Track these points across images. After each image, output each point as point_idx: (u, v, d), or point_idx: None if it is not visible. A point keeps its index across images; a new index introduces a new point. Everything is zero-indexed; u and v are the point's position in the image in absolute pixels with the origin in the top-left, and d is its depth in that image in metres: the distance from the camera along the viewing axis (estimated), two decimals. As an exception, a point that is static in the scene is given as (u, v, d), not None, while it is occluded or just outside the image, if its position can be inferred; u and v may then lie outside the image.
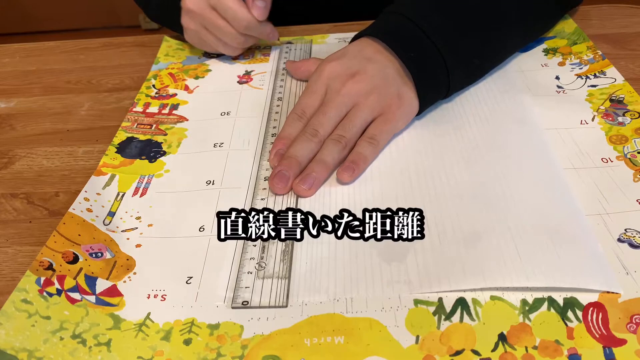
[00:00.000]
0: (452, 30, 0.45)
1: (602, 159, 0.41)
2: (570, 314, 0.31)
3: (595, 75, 0.49)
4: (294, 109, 0.45)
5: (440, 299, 0.32)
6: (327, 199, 0.40)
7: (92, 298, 0.34)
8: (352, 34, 0.58)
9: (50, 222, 0.40)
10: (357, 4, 0.63)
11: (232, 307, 0.33)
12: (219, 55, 0.58)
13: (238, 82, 0.53)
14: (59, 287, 0.34)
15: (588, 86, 0.48)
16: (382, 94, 0.43)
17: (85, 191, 0.41)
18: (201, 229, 0.38)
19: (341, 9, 0.64)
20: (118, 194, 0.41)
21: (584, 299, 0.31)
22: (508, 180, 0.39)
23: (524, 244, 0.34)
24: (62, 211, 0.40)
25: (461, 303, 0.32)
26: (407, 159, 0.42)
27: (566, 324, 0.30)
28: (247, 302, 0.33)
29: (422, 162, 0.42)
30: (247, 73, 0.55)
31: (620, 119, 0.44)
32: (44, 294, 0.34)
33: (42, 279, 0.34)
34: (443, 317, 0.31)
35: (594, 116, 0.44)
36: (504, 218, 0.36)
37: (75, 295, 0.34)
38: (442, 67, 0.44)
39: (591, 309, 0.31)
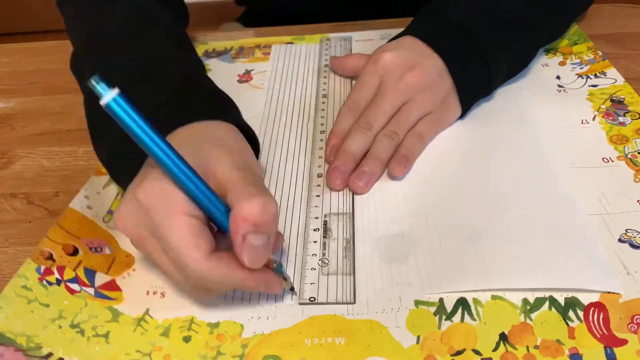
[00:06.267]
0: (498, 42, 0.44)
1: (603, 158, 0.40)
2: (571, 313, 0.31)
3: (595, 76, 0.49)
4: (346, 101, 0.44)
5: (441, 299, 0.32)
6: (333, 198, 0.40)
7: (91, 290, 0.34)
8: (353, 34, 0.59)
9: (50, 222, 0.40)
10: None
11: (299, 304, 0.33)
12: (219, 55, 0.58)
13: (238, 81, 0.53)
14: (59, 277, 0.34)
15: (589, 86, 0.48)
16: (436, 93, 0.43)
17: (85, 189, 0.41)
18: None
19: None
20: (118, 193, 0.41)
21: (585, 299, 0.31)
22: (508, 180, 0.39)
23: (524, 244, 0.34)
24: (62, 211, 0.40)
25: (462, 303, 0.32)
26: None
27: (567, 324, 0.30)
28: (314, 298, 0.33)
29: (422, 163, 0.42)
30: (247, 72, 0.54)
31: (621, 118, 0.44)
32: (44, 282, 0.34)
33: (42, 267, 0.35)
34: (444, 317, 0.31)
35: (595, 116, 0.44)
36: (504, 218, 0.36)
37: (75, 286, 0.34)
38: (485, 77, 0.44)
39: (592, 309, 0.31)
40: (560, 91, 0.48)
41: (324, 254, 0.35)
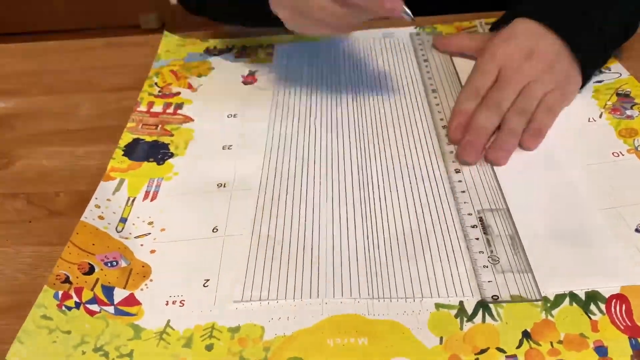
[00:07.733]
0: (608, 7, 0.45)
1: (612, 153, 0.41)
2: (593, 307, 0.31)
3: (600, 71, 0.49)
4: (465, 88, 0.45)
5: (461, 302, 0.32)
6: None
7: (111, 309, 0.33)
8: (357, 34, 0.57)
9: (51, 222, 0.39)
10: None
11: (477, 302, 0.32)
12: (220, 53, 0.57)
13: (243, 82, 0.53)
14: (77, 300, 0.33)
15: (593, 82, 0.48)
16: (557, 71, 0.44)
17: (96, 198, 0.40)
18: (215, 229, 0.37)
19: None
20: (128, 199, 0.40)
21: (606, 291, 0.32)
22: (518, 186, 0.39)
23: (537, 249, 0.34)
24: (63, 211, 0.40)
25: (482, 305, 0.32)
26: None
27: (590, 317, 0.30)
28: (497, 296, 0.32)
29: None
30: (252, 73, 0.54)
31: (628, 112, 0.44)
32: (63, 308, 0.33)
33: (60, 292, 0.34)
34: (465, 319, 0.31)
35: (602, 113, 0.44)
36: (518, 224, 0.36)
37: (94, 307, 0.33)
38: (601, 46, 0.46)
39: (614, 300, 0.31)
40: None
41: (491, 252, 0.35)
